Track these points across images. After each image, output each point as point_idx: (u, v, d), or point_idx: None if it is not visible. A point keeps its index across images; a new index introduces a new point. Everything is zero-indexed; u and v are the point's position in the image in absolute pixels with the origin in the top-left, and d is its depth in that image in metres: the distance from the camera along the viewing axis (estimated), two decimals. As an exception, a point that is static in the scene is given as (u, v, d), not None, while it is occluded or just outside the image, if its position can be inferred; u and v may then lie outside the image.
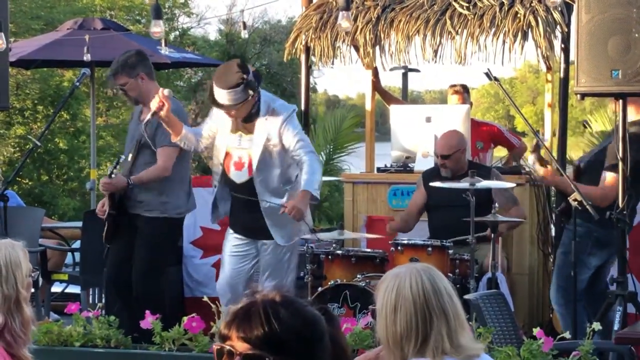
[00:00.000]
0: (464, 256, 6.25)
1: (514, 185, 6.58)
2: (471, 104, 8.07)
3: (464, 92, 8.06)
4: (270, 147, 5.93)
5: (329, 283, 6.19)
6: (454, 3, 7.22)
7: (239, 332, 2.03)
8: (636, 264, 6.09)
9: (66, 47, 9.56)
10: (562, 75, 7.00)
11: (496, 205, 6.14)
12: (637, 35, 5.37)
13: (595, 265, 6.08)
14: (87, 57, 8.63)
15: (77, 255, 8.11)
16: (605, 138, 6.24)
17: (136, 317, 5.64)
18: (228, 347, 2.03)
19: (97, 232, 6.51)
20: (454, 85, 8.14)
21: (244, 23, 9.98)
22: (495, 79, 6.00)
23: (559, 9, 6.85)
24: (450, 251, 6.20)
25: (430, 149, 7.12)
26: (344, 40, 7.62)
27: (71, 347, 5.26)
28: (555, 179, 6.21)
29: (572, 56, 5.83)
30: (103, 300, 6.61)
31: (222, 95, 5.80)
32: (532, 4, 6.95)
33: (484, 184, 6.09)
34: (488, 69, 6.04)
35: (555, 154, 6.93)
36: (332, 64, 7.74)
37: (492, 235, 6.01)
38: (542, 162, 6.22)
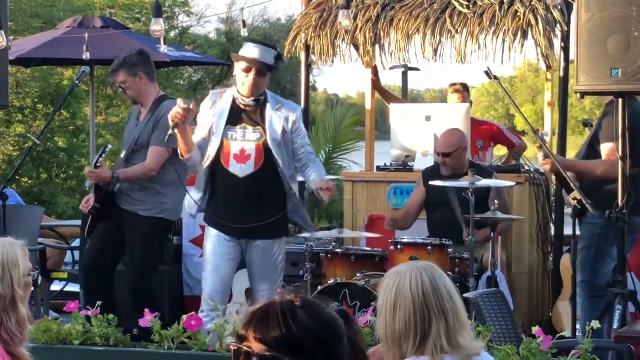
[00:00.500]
0: (464, 255, 6.25)
1: (513, 184, 6.58)
2: (471, 102, 8.07)
3: (464, 90, 8.07)
4: (287, 139, 5.77)
5: (329, 282, 6.20)
6: (454, 2, 7.22)
7: (256, 333, 2.02)
8: (636, 262, 6.08)
9: (66, 46, 9.54)
10: (562, 74, 6.99)
11: (496, 203, 6.13)
12: (637, 34, 5.36)
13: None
14: (86, 56, 8.61)
15: (77, 253, 8.10)
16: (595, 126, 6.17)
17: (116, 309, 5.63)
18: (245, 348, 2.02)
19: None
20: (454, 84, 8.14)
21: (244, 21, 9.94)
22: (495, 77, 5.99)
23: (559, 7, 6.86)
24: (450, 250, 6.20)
25: (430, 148, 7.12)
26: (343, 39, 7.62)
27: (70, 345, 5.24)
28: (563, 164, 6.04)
29: (572, 55, 5.81)
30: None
31: (252, 49, 5.73)
32: (532, 3, 6.95)
33: (484, 182, 6.09)
34: (488, 68, 6.02)
35: (555, 153, 6.92)
36: (332, 62, 7.74)
37: (492, 234, 6.02)
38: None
